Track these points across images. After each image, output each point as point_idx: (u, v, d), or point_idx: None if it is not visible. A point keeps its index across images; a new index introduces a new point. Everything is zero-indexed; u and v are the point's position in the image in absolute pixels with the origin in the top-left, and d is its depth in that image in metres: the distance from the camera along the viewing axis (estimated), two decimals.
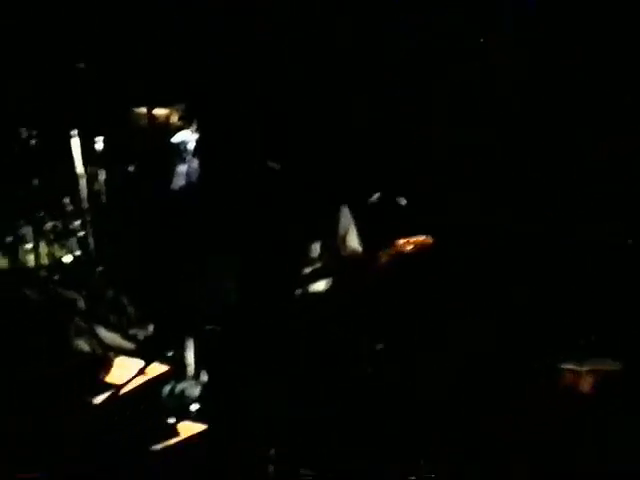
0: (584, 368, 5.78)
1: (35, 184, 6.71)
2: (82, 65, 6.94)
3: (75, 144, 6.79)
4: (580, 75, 6.49)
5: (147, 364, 6.18)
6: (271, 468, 5.68)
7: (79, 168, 6.80)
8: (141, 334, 6.37)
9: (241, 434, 5.85)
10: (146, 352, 6.24)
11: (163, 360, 6.22)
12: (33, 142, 6.74)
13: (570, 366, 5.77)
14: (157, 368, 6.19)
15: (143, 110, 7.17)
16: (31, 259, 6.62)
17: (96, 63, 6.99)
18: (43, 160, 6.75)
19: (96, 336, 6.12)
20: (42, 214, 6.70)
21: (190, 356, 6.29)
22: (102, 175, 6.87)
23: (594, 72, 6.47)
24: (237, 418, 5.97)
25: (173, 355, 6.25)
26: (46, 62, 6.91)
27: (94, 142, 6.87)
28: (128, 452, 5.61)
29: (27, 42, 6.86)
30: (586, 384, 5.64)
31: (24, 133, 6.73)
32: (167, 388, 6.16)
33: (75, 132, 6.78)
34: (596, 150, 6.36)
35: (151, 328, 6.39)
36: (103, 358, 6.08)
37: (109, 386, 5.96)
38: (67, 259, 6.69)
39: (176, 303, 6.44)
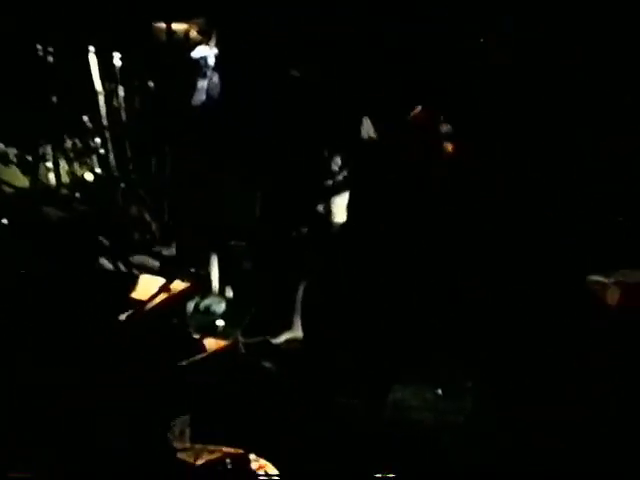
0: (611, 280, 5.74)
1: (53, 101, 6.61)
2: None
3: (93, 60, 6.69)
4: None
5: (171, 281, 6.18)
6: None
7: (97, 84, 6.71)
8: (165, 251, 6.35)
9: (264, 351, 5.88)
10: (170, 269, 6.23)
11: (188, 277, 6.21)
12: (50, 58, 6.61)
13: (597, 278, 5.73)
14: (182, 285, 6.19)
15: (161, 25, 7.04)
16: (52, 178, 6.57)
17: None
18: (60, 77, 6.64)
19: (120, 254, 6.10)
20: (61, 132, 6.63)
21: (214, 272, 6.29)
22: (121, 92, 6.76)
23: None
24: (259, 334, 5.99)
25: (197, 272, 6.24)
26: None
27: (112, 58, 6.75)
28: (154, 367, 5.62)
29: None
30: (613, 296, 5.59)
31: (40, 49, 6.60)
32: (192, 304, 6.18)
33: (92, 48, 6.68)
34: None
35: (174, 245, 6.37)
36: (128, 276, 6.08)
37: (134, 303, 5.96)
38: (88, 177, 6.64)
39: (199, 219, 6.41)
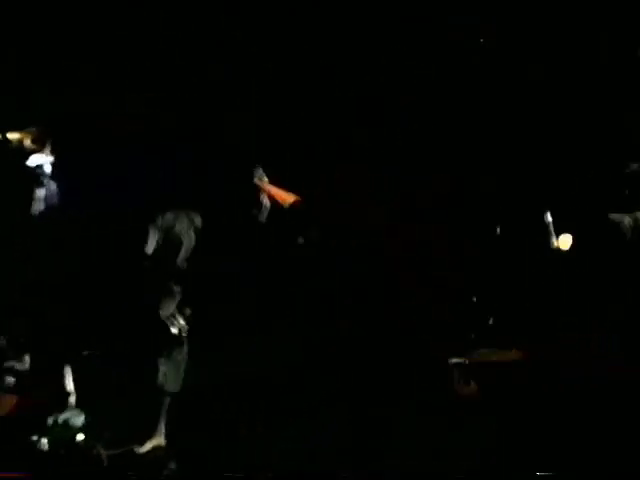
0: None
1: None
2: None
3: None
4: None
5: (27, 396, 6.08)
6: None
7: None
8: (18, 366, 6.24)
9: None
10: (25, 385, 6.13)
11: (43, 391, 6.13)
12: None
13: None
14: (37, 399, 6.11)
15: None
16: None
17: None
18: None
19: None
20: None
21: (70, 384, 6.22)
22: None
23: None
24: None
25: (53, 385, 6.17)
26: None
27: None
28: None
29: None
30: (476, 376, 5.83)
31: None
32: (50, 419, 6.09)
33: None
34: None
35: (27, 359, 6.27)
36: None
37: None
38: None
39: (52, 331, 6.34)
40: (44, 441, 5.97)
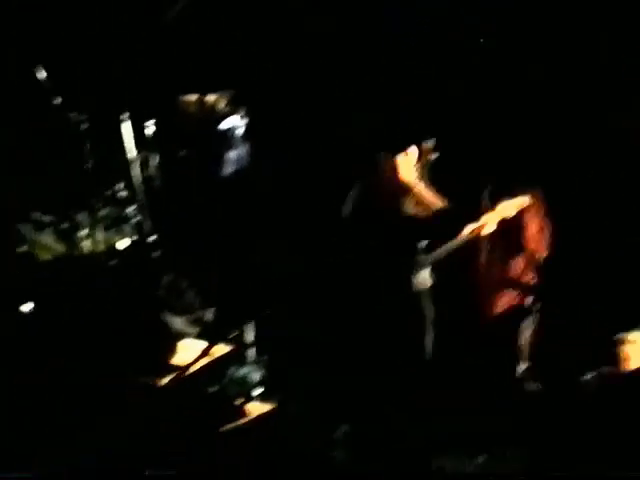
0: None
1: (88, 169, 6.62)
2: (132, 49, 6.89)
3: (126, 128, 6.73)
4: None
5: (210, 346, 6.13)
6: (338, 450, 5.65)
7: (131, 153, 6.74)
8: (202, 317, 6.32)
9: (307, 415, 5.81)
10: (208, 335, 6.19)
11: (225, 343, 6.17)
12: (84, 126, 6.64)
13: None
14: (220, 350, 6.15)
15: (192, 97, 7.11)
16: (87, 245, 6.55)
17: (146, 46, 6.93)
18: (95, 145, 6.67)
19: (160, 320, 6.07)
20: (96, 200, 6.64)
21: (251, 339, 6.25)
22: (154, 160, 6.80)
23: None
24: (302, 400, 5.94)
25: (234, 338, 6.20)
26: (95, 44, 6.87)
27: (145, 127, 6.80)
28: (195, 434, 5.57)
29: (76, 22, 6.83)
30: None
31: (75, 117, 6.63)
32: (228, 373, 6.12)
33: (126, 116, 6.73)
34: None
35: (212, 311, 6.34)
36: (167, 341, 6.03)
37: (174, 368, 5.91)
38: (123, 245, 6.63)
39: (236, 285, 6.40)
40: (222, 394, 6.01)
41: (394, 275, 5.94)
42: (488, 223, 5.82)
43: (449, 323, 5.90)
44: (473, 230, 5.84)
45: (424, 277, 5.88)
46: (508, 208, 5.81)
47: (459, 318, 5.91)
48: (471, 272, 5.94)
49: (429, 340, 5.89)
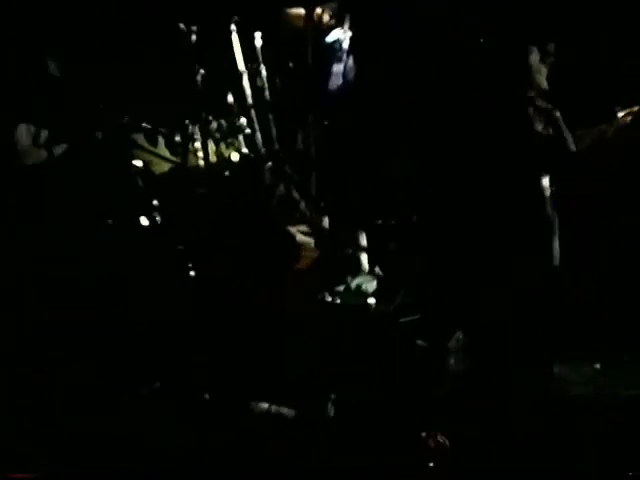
0: None
1: (198, 81, 6.65)
2: None
3: (235, 40, 6.74)
4: None
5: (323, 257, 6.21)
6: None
7: (240, 64, 6.76)
8: (316, 229, 6.38)
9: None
10: (322, 246, 6.26)
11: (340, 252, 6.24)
12: (193, 38, 6.65)
13: None
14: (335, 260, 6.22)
15: (297, 10, 7.09)
16: (200, 158, 6.61)
17: None
18: (204, 56, 6.69)
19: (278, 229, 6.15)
20: (208, 113, 6.68)
21: (363, 241, 6.30)
22: (263, 71, 6.81)
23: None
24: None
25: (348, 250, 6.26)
26: None
27: (254, 38, 6.81)
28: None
29: None
30: None
31: (184, 29, 6.64)
32: (343, 284, 6.20)
33: (234, 28, 6.73)
34: None
35: (325, 222, 6.40)
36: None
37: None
38: (235, 157, 6.68)
39: (349, 197, 6.44)
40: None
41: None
42: None
43: None
44: None
45: None
46: None
47: None
48: None
49: None
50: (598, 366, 5.64)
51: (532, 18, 6.23)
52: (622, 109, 6.13)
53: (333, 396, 5.34)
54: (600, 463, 4.89)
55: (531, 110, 6.14)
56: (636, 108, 6.08)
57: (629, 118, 6.07)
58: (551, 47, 6.30)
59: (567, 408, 5.32)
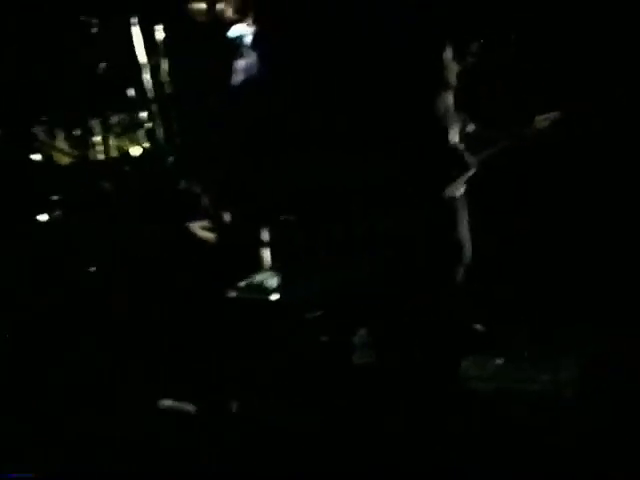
0: None
1: (99, 74, 6.54)
2: None
3: (136, 33, 6.64)
4: None
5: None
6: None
7: (141, 58, 6.66)
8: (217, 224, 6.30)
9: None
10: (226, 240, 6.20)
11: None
12: (93, 30, 6.54)
13: None
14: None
15: (199, 4, 7.00)
16: (100, 152, 6.50)
17: None
18: (104, 49, 6.58)
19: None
20: (108, 107, 6.57)
21: (267, 246, 6.25)
22: (165, 65, 6.72)
23: None
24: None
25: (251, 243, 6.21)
26: None
27: (154, 31, 6.71)
28: None
29: None
30: None
31: (84, 20, 6.53)
32: (245, 280, 6.15)
33: (135, 20, 6.63)
34: None
35: (227, 217, 6.33)
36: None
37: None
38: (136, 152, 6.59)
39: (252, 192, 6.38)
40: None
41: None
42: None
43: None
44: None
45: None
46: None
47: None
48: None
49: None
50: (500, 361, 5.67)
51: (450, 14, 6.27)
52: (540, 113, 6.19)
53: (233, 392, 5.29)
54: (500, 458, 4.89)
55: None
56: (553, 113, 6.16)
57: (547, 122, 6.13)
58: (472, 47, 6.33)
59: (469, 404, 5.34)
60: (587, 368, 5.45)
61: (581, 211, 6.14)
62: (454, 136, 5.79)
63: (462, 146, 5.87)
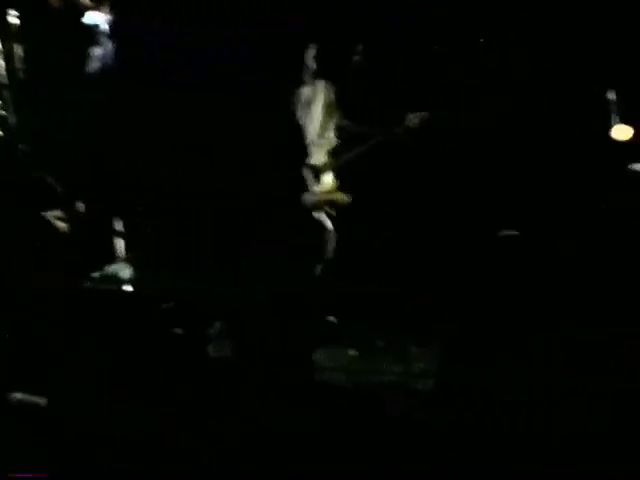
0: None
1: None
2: None
3: None
4: None
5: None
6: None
7: None
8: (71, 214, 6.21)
9: None
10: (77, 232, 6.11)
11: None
12: None
13: None
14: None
15: None
16: None
17: None
18: None
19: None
20: None
21: (120, 237, 6.20)
22: (19, 51, 6.56)
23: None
24: None
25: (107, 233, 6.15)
26: None
27: (8, 16, 6.54)
28: None
29: None
30: None
31: None
32: (98, 270, 6.08)
33: None
34: None
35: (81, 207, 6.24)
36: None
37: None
38: None
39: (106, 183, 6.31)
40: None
41: None
42: None
43: None
44: None
45: None
46: None
47: None
48: None
49: None
50: (353, 352, 5.72)
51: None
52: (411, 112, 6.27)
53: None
54: (355, 449, 4.94)
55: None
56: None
57: (417, 121, 6.22)
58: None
59: (322, 395, 5.38)
60: (440, 360, 5.54)
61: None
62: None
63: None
